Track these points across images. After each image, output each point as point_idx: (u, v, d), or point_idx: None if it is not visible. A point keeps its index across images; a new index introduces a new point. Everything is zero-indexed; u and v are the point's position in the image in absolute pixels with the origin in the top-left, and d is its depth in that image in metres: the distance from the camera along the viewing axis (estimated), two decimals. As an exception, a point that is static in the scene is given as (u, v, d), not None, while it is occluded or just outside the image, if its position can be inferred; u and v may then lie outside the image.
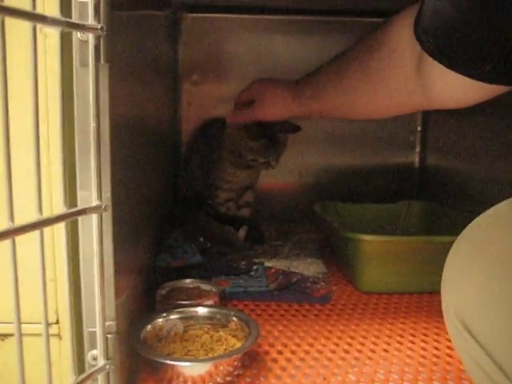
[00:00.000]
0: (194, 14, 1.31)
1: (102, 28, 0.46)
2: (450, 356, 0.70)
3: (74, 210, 0.45)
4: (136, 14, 0.73)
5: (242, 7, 1.30)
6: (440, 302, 0.88)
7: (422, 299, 0.90)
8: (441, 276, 0.89)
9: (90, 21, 0.45)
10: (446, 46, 0.60)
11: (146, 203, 0.84)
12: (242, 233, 1.09)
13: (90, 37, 0.46)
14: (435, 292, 0.90)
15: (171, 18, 1.25)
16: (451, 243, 0.87)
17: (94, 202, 0.47)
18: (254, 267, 0.97)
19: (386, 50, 0.71)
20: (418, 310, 0.85)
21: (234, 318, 0.68)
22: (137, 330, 0.63)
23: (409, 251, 0.89)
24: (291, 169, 1.37)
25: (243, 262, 1.00)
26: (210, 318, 0.69)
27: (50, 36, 0.57)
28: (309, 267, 0.99)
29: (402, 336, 0.75)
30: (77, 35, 0.46)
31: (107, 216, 0.49)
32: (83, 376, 0.48)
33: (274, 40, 1.33)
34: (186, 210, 1.15)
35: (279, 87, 0.91)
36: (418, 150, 1.41)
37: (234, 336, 0.67)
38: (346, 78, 0.77)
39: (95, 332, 0.49)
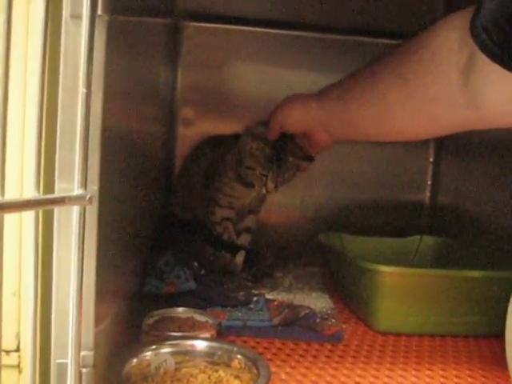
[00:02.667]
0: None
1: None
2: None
3: (49, 196, 0.34)
4: (134, 20, 0.63)
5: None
6: (467, 346, 0.79)
7: (445, 343, 0.79)
8: (469, 317, 0.81)
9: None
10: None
11: (135, 218, 0.74)
12: (239, 259, 0.99)
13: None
14: (459, 335, 0.81)
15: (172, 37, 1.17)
16: (485, 280, 0.79)
17: (76, 191, 0.36)
18: (254, 299, 0.86)
19: (428, 52, 0.62)
20: (443, 354, 0.74)
21: (239, 356, 0.56)
22: (119, 364, 0.51)
23: (434, 287, 0.78)
24: (293, 199, 1.29)
25: (241, 293, 0.89)
26: (208, 354, 0.57)
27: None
28: (315, 302, 0.89)
29: (431, 384, 0.64)
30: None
31: (92, 211, 0.38)
32: (46, 424, 0.36)
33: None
34: (179, 231, 1.06)
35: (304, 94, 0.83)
36: (429, 186, 1.35)
37: (236, 377, 0.55)
38: (377, 81, 0.68)
39: (66, 364, 0.37)
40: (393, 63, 0.66)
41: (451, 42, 0.59)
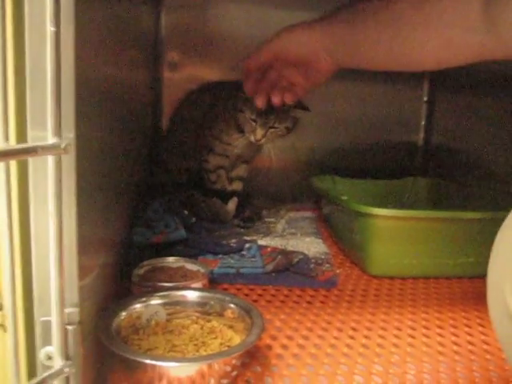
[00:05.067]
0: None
1: None
2: (487, 343, 0.60)
3: (19, 146, 0.31)
4: None
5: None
6: (461, 287, 0.79)
7: (440, 285, 0.79)
8: (464, 258, 0.80)
9: None
10: None
11: (120, 166, 0.71)
12: (231, 206, 0.98)
13: None
14: (454, 277, 0.81)
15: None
16: (481, 220, 0.77)
17: (51, 140, 0.33)
18: (246, 245, 0.86)
19: None
20: (439, 297, 0.74)
21: (231, 305, 0.55)
22: (107, 318, 0.49)
23: (428, 229, 0.77)
24: (284, 142, 1.23)
25: (233, 240, 0.88)
26: (200, 304, 0.56)
27: None
28: (308, 247, 0.89)
29: (427, 328, 0.64)
30: None
31: (69, 161, 0.36)
32: (33, 382, 0.34)
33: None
34: (168, 178, 1.04)
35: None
36: (422, 127, 1.34)
37: (230, 327, 0.54)
38: (393, 2, 0.64)
39: (50, 322, 0.36)
40: None
41: None
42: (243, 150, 1.04)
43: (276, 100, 0.79)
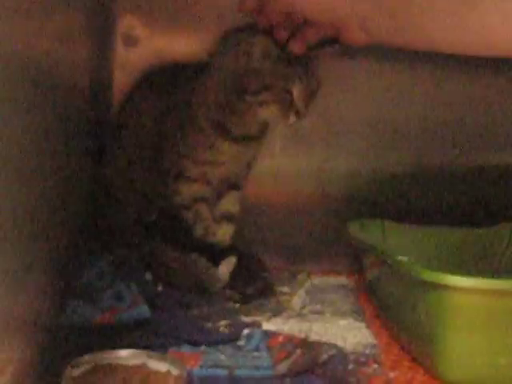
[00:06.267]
0: None
1: None
2: None
3: None
4: None
5: None
6: None
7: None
8: None
9: None
10: None
11: (45, 204, 0.73)
12: (224, 269, 0.99)
13: None
14: None
15: None
16: None
17: None
18: (245, 332, 0.86)
19: None
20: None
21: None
22: None
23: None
24: (304, 164, 1.27)
25: (223, 322, 0.90)
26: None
27: None
28: (344, 335, 0.89)
29: None
30: None
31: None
32: None
33: None
34: (120, 220, 1.06)
35: None
36: None
37: None
38: None
39: None
40: None
41: None
42: (231, 165, 1.07)
43: (300, 45, 0.85)
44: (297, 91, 0.95)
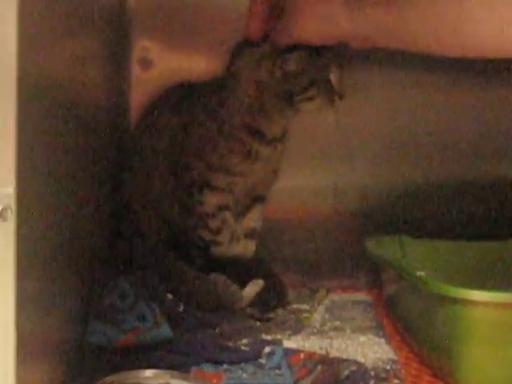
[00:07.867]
0: None
1: None
2: None
3: None
4: None
5: None
6: None
7: None
8: None
9: None
10: None
11: (71, 230, 0.74)
12: (250, 291, 1.00)
13: None
14: None
15: None
16: None
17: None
18: (266, 350, 0.87)
19: None
20: None
21: None
22: None
23: None
24: (319, 188, 1.28)
25: (244, 340, 0.90)
26: None
27: None
28: (365, 351, 0.90)
29: None
30: None
31: (5, 230, 0.36)
32: None
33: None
34: (140, 242, 1.07)
35: None
36: None
37: None
38: None
39: None
40: None
41: None
42: (261, 173, 1.08)
43: None
44: (333, 76, 1.00)
